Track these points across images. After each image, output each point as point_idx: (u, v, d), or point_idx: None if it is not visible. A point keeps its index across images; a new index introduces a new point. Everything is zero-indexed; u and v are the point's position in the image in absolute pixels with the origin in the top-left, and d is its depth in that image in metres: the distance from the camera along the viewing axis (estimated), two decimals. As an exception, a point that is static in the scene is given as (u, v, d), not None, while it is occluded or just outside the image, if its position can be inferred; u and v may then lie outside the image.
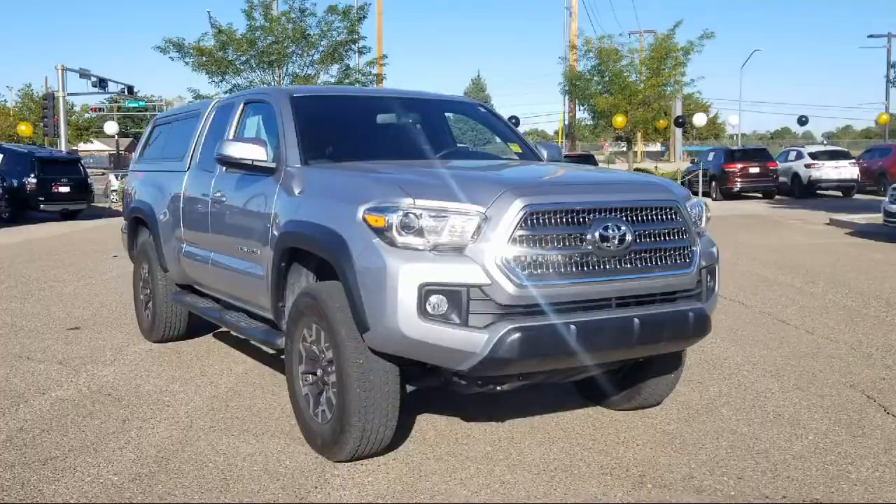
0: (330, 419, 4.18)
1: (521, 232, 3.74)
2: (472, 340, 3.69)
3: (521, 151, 5.83)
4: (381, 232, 3.82)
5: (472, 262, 3.72)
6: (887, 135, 47.20)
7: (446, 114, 6.31)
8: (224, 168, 5.67)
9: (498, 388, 4.19)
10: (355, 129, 5.66)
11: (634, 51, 30.40)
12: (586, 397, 5.26)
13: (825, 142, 44.60)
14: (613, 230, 3.89)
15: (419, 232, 3.77)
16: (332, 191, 4.40)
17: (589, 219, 3.88)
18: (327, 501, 3.82)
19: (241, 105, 5.83)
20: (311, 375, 4.43)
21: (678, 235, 4.17)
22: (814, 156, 31.12)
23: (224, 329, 7.53)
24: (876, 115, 46.49)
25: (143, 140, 8.10)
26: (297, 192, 4.66)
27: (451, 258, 3.74)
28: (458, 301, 3.70)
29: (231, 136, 5.71)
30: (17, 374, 6.09)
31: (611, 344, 3.95)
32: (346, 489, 3.94)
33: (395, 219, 3.79)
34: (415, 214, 3.78)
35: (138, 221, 7.50)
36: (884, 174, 29.73)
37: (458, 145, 6.50)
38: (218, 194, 5.61)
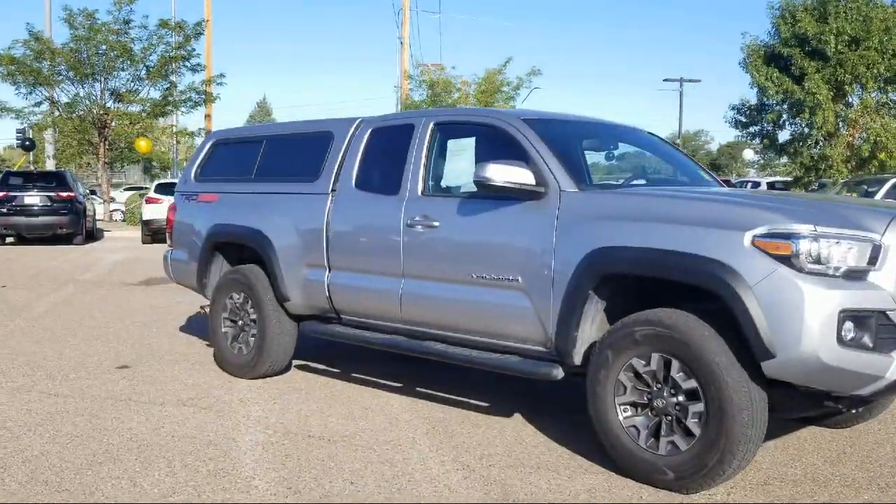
0: (689, 448, 4.08)
1: (913, 258, 3.92)
2: (882, 365, 3.80)
3: (708, 179, 5.98)
4: (785, 259, 3.84)
5: (879, 288, 3.84)
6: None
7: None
8: (419, 190, 5.40)
9: (853, 410, 4.34)
10: (587, 154, 5.57)
11: (468, 83, 31.29)
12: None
13: None
14: None
15: (821, 259, 3.84)
16: (684, 216, 4.24)
17: None
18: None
19: (429, 127, 5.54)
20: (631, 407, 4.33)
21: None
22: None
23: (299, 360, 7.01)
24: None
25: (197, 159, 7.36)
26: (589, 217, 4.55)
27: (861, 284, 3.84)
28: (870, 326, 3.81)
29: (423, 159, 5.45)
30: (168, 420, 5.36)
31: None
32: None
33: (803, 245, 3.83)
34: (818, 241, 3.85)
35: (218, 248, 6.83)
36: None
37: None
38: (420, 219, 5.28)
